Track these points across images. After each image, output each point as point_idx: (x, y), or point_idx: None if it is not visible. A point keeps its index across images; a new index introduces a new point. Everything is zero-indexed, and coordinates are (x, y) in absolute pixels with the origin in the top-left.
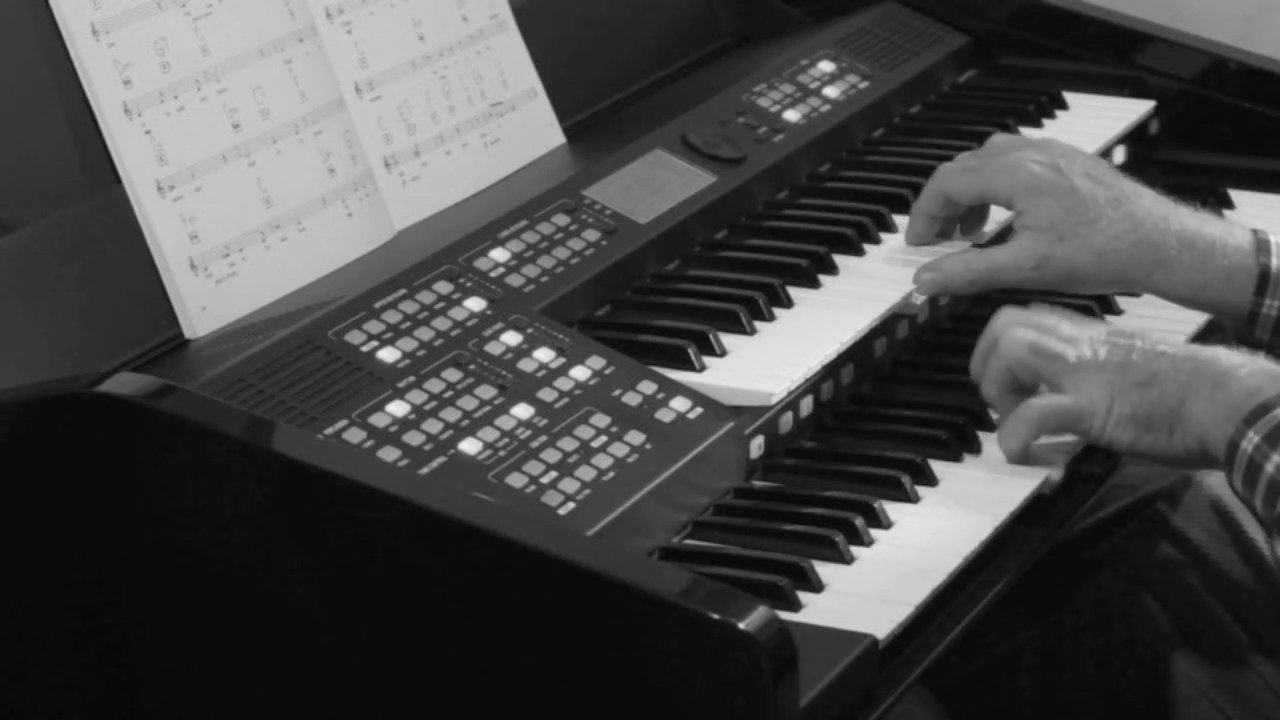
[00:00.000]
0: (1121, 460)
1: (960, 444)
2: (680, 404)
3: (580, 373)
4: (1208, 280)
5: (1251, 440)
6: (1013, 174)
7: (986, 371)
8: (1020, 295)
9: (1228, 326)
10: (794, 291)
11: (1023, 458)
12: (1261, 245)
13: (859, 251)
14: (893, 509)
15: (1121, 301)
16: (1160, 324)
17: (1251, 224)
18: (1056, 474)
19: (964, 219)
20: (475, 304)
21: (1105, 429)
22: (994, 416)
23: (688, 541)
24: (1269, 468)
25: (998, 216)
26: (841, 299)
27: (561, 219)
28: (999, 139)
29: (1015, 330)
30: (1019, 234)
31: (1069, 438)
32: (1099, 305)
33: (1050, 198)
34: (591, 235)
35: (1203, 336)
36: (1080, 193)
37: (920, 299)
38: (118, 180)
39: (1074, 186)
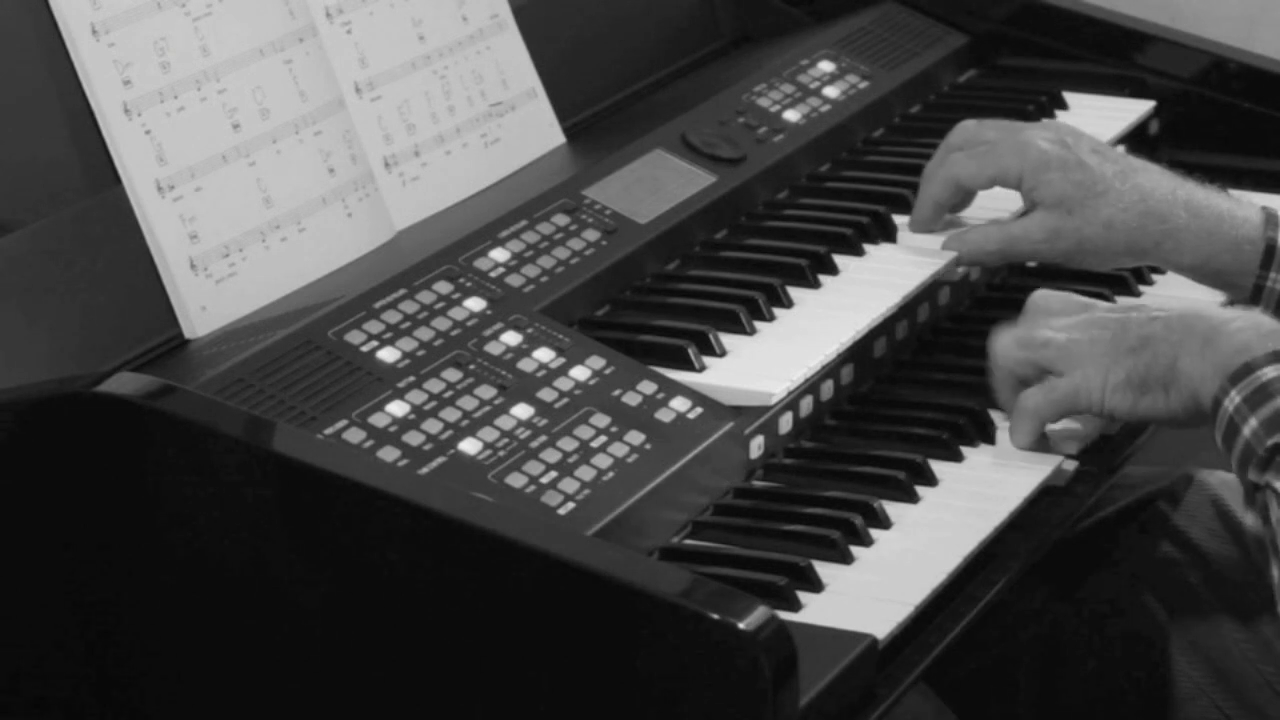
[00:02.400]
0: (1123, 460)
1: (960, 444)
2: (680, 404)
3: (580, 373)
4: (1215, 251)
5: (1233, 400)
6: (1022, 153)
7: (994, 384)
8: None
9: (1234, 302)
10: (794, 291)
11: (1040, 446)
12: (1270, 219)
13: (859, 251)
14: (893, 509)
15: (1122, 301)
16: None
17: None
18: (1070, 464)
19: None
20: (475, 304)
21: (1104, 398)
22: (999, 421)
23: (688, 541)
24: (1245, 431)
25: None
26: (841, 299)
27: (561, 219)
28: (1001, 122)
29: (1002, 335)
30: (1030, 210)
31: (1077, 424)
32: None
33: (1059, 173)
34: (591, 235)
35: None
36: (1088, 167)
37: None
38: (118, 180)
39: (1082, 161)
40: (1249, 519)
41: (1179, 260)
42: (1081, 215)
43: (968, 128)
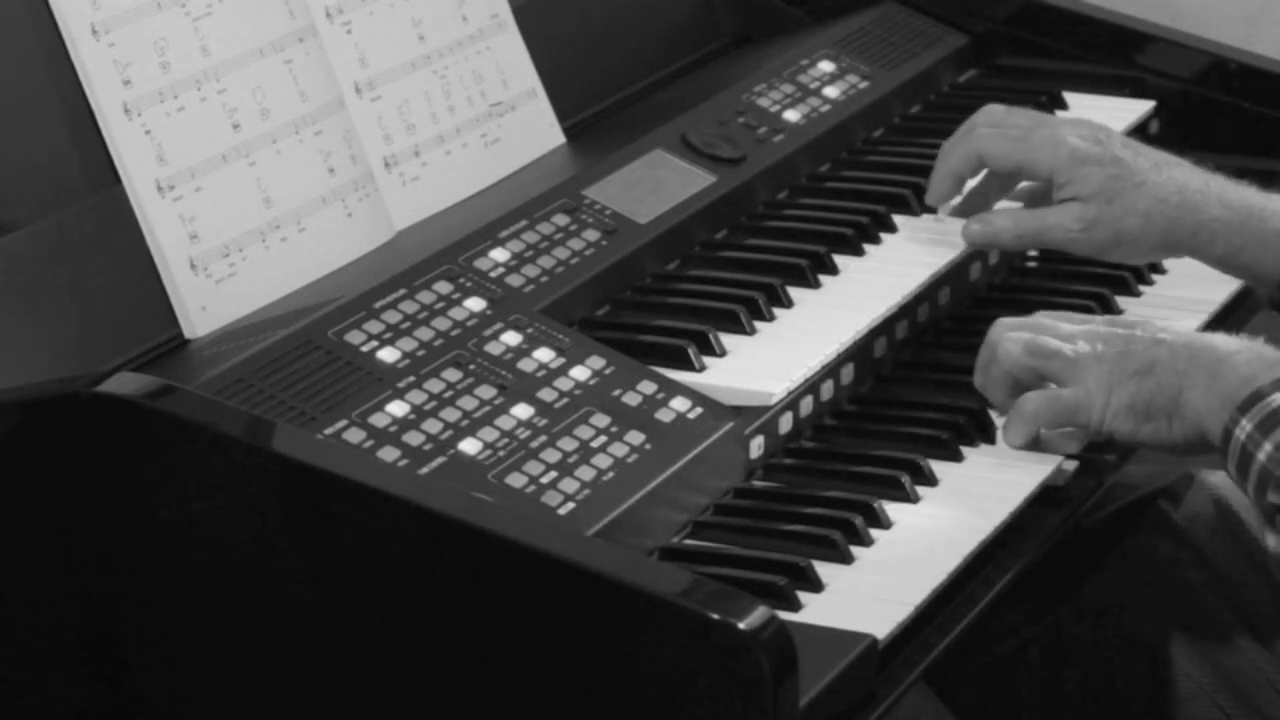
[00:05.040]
0: (1122, 458)
1: (960, 444)
2: (680, 404)
3: (580, 373)
4: (1245, 243)
5: (1244, 428)
6: (1055, 149)
7: (989, 380)
8: (1033, 298)
9: (1260, 293)
10: (794, 291)
11: (1033, 448)
12: None
13: (859, 251)
14: (893, 509)
15: (1122, 301)
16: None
17: None
18: (1069, 465)
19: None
20: (475, 304)
21: (1105, 419)
22: (998, 421)
23: (688, 541)
24: (1260, 456)
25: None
26: (841, 299)
27: (561, 219)
28: (1030, 111)
29: (1011, 334)
30: (1066, 203)
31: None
32: (1099, 305)
33: (1096, 167)
34: (591, 235)
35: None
36: (1124, 161)
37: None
38: (118, 180)
39: (1118, 156)
40: (1271, 541)
41: (1211, 251)
42: (1120, 205)
43: (995, 110)
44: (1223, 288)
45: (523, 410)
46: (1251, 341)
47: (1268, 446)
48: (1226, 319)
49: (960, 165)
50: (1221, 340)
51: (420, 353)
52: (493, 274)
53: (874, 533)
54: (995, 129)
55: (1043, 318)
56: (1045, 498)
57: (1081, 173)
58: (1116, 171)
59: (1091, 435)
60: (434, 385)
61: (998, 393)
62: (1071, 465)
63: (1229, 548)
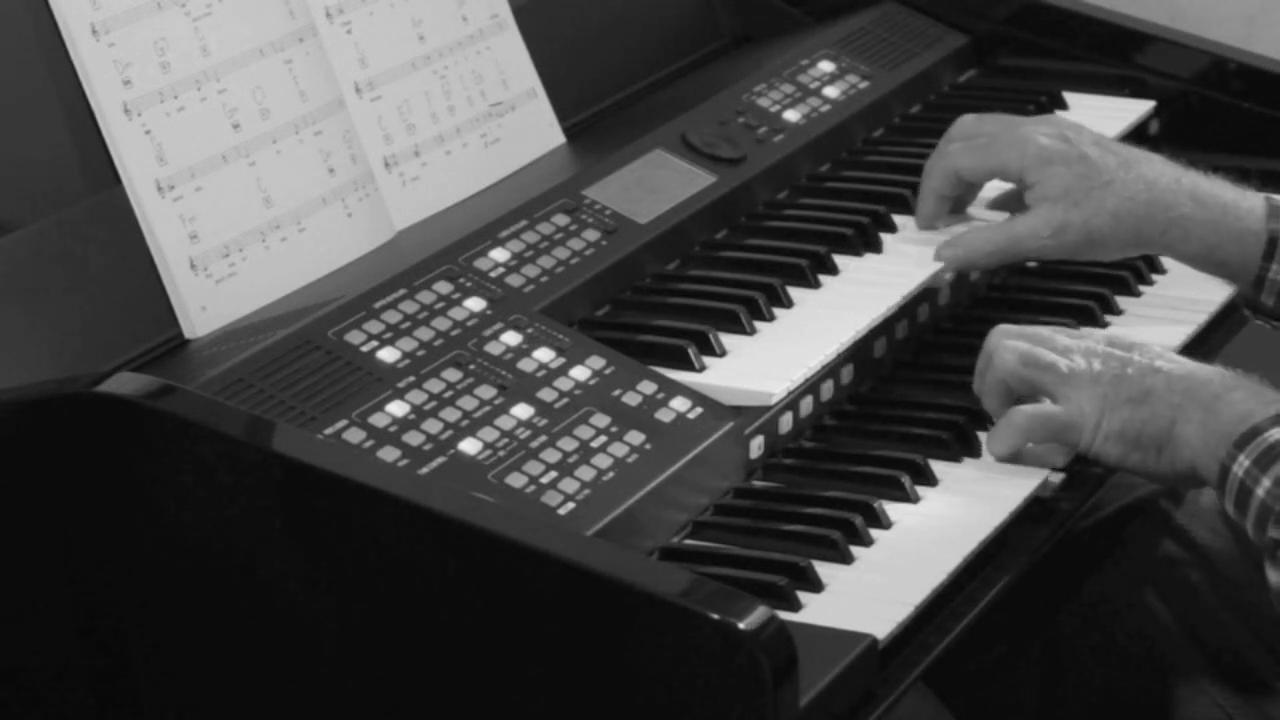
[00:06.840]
0: None
1: (960, 444)
2: (680, 404)
3: (580, 373)
4: (1220, 240)
5: (1242, 465)
6: (1022, 148)
7: (984, 387)
8: (1024, 296)
9: (1237, 289)
10: (794, 291)
11: (1016, 460)
12: (1274, 211)
13: (859, 251)
14: (893, 509)
15: (1121, 301)
16: (1159, 327)
17: None
18: (1056, 477)
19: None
20: (475, 304)
21: (1094, 442)
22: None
23: (688, 541)
24: (1259, 492)
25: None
26: (841, 299)
27: (561, 219)
28: (1001, 116)
29: (1007, 344)
30: (1034, 205)
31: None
32: (1099, 305)
33: (1062, 166)
34: (591, 235)
35: (1200, 339)
36: (1091, 159)
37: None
38: (118, 180)
39: (1084, 154)
40: (1272, 576)
41: (1184, 249)
42: (1088, 206)
43: (966, 122)
44: (1222, 288)
45: (523, 410)
46: (1248, 378)
47: (1266, 482)
48: (1226, 319)
49: (941, 184)
50: (1219, 375)
51: (420, 353)
52: (493, 274)
53: (874, 533)
54: (965, 142)
55: (1043, 329)
56: (1045, 498)
57: (1048, 172)
58: (1083, 170)
59: (1078, 454)
60: (434, 385)
61: (992, 400)
62: (1058, 478)
63: (1229, 548)
